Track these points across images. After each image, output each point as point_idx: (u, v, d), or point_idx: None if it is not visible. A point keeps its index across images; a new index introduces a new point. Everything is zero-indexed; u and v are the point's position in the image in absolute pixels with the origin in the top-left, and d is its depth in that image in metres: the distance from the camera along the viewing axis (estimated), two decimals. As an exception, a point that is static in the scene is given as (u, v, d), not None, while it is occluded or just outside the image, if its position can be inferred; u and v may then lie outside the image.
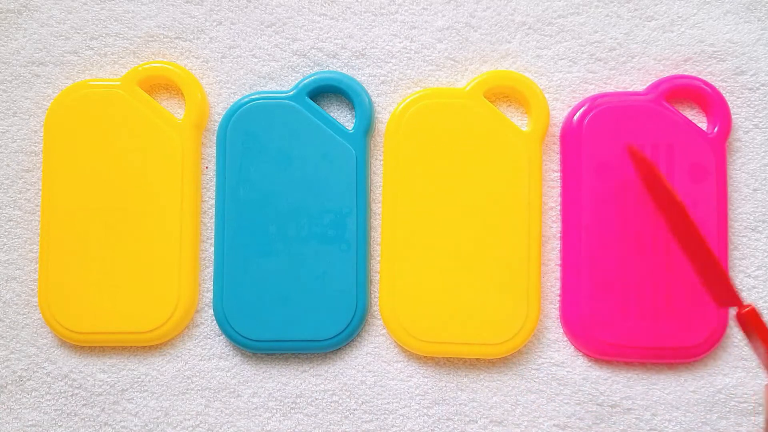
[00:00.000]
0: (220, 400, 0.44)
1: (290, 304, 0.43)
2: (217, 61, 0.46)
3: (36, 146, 0.46)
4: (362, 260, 0.43)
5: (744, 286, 0.43)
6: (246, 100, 0.44)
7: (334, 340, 0.43)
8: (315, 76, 0.44)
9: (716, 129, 0.43)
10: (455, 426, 0.43)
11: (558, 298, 0.44)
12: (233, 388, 0.44)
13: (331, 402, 0.43)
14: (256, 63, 0.46)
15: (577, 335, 0.43)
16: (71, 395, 0.44)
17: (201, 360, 0.44)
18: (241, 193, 0.44)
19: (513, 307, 0.42)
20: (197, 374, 0.44)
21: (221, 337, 0.44)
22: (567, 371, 0.43)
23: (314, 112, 0.44)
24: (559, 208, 0.44)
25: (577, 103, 0.44)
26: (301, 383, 0.43)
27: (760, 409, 0.42)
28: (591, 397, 0.43)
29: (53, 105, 0.45)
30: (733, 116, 0.44)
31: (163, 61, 0.46)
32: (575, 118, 0.43)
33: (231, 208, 0.43)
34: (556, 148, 0.45)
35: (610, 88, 0.45)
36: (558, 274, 0.44)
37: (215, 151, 0.45)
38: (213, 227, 0.44)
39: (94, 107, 0.44)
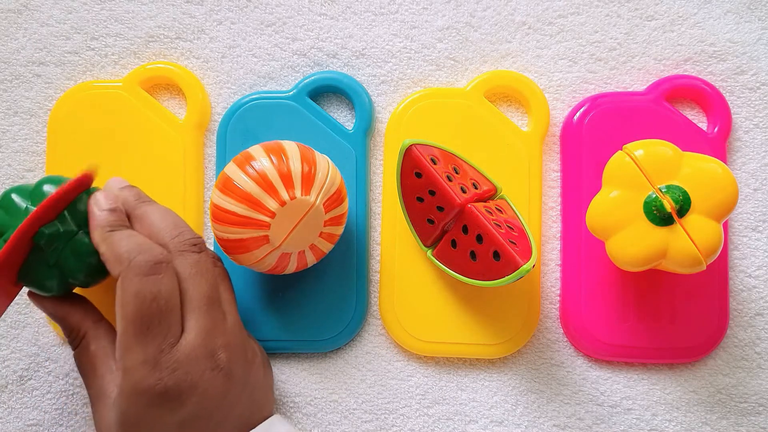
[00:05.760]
0: (221, 399, 0.44)
1: (290, 304, 0.43)
2: (218, 61, 0.46)
3: (37, 146, 0.46)
4: (362, 260, 0.43)
5: (744, 286, 0.43)
6: (246, 99, 0.44)
7: (334, 340, 0.43)
8: (315, 76, 0.45)
9: (716, 129, 0.43)
10: (455, 426, 0.43)
11: (558, 298, 0.44)
12: (233, 387, 0.44)
13: (331, 402, 0.43)
14: (256, 63, 0.46)
15: (577, 335, 0.43)
16: (72, 394, 0.44)
17: (201, 359, 0.44)
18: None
19: (513, 307, 0.42)
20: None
21: (222, 337, 0.44)
22: (567, 371, 0.43)
23: (314, 112, 0.44)
24: (559, 208, 0.44)
25: (577, 103, 0.44)
26: (301, 383, 0.44)
27: (761, 409, 0.42)
28: (591, 397, 0.43)
29: (56, 106, 0.45)
30: (733, 116, 0.44)
31: (164, 61, 0.46)
32: (575, 118, 0.43)
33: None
34: (556, 147, 0.45)
35: (610, 88, 0.45)
36: (558, 274, 0.44)
37: (216, 151, 0.45)
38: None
39: (97, 108, 0.44)
